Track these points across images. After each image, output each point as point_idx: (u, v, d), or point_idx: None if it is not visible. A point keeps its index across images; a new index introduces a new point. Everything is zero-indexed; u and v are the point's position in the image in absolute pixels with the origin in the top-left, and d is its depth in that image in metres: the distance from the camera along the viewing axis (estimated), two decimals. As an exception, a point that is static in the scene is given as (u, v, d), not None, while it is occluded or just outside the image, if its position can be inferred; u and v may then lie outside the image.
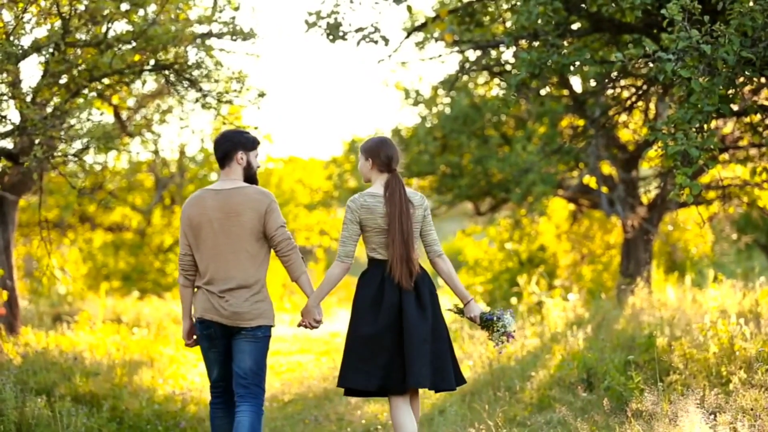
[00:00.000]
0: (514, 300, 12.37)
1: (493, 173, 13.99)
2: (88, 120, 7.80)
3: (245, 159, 5.33)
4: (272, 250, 5.33)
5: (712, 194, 12.35)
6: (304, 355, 12.00)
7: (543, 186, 12.71)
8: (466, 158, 14.35)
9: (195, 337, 5.43)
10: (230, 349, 5.29)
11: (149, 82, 11.32)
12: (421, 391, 7.96)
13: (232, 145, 5.31)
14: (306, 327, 5.40)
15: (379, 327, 5.18)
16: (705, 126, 5.84)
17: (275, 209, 5.24)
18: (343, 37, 8.41)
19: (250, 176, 5.36)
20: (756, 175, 10.12)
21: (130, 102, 11.24)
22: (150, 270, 18.24)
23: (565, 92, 11.99)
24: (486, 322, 5.41)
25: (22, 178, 9.52)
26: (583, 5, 7.57)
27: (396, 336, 5.18)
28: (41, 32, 7.88)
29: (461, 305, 5.50)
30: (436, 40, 11.67)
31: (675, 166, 5.79)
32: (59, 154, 7.81)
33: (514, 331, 5.40)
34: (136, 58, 8.07)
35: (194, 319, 5.36)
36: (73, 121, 7.76)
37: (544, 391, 7.33)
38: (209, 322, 5.23)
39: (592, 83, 11.57)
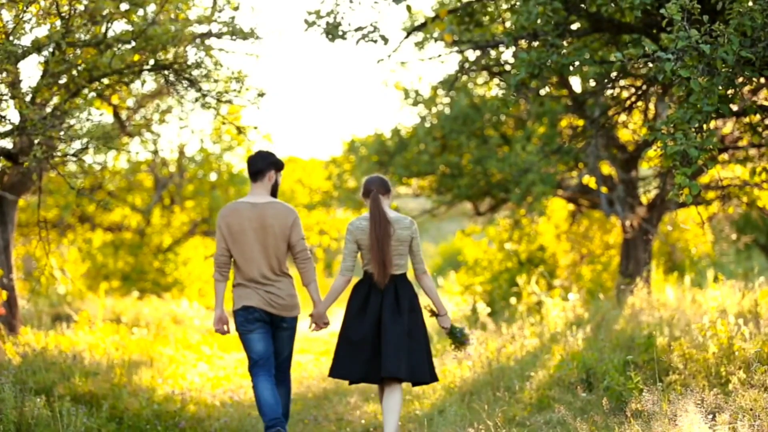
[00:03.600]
0: (513, 300, 12.37)
1: (492, 173, 13.98)
2: (88, 120, 7.81)
3: (275, 177, 6.33)
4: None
5: (711, 194, 12.35)
6: (304, 355, 12.00)
7: (542, 186, 12.70)
8: (466, 158, 14.34)
9: (225, 326, 6.31)
10: (270, 331, 6.28)
11: (149, 82, 11.32)
12: (420, 390, 8.04)
13: (267, 164, 6.30)
14: (317, 329, 6.42)
15: (364, 331, 6.14)
16: (704, 126, 5.83)
17: (298, 224, 6.25)
18: (342, 37, 8.40)
19: (275, 190, 6.37)
20: (755, 175, 10.11)
21: (130, 102, 11.23)
22: (149, 270, 18.22)
23: (565, 92, 11.99)
24: (450, 335, 6.58)
25: (22, 178, 9.51)
26: (583, 5, 7.56)
27: (376, 337, 6.13)
28: (41, 32, 7.89)
29: (436, 311, 6.50)
30: (436, 40, 11.67)
31: (674, 166, 5.79)
32: (59, 154, 7.80)
33: (470, 343, 6.64)
34: (136, 58, 8.07)
35: (237, 309, 6.22)
36: (72, 121, 7.76)
37: (543, 391, 7.33)
38: (255, 309, 6.17)
39: (592, 83, 11.57)
